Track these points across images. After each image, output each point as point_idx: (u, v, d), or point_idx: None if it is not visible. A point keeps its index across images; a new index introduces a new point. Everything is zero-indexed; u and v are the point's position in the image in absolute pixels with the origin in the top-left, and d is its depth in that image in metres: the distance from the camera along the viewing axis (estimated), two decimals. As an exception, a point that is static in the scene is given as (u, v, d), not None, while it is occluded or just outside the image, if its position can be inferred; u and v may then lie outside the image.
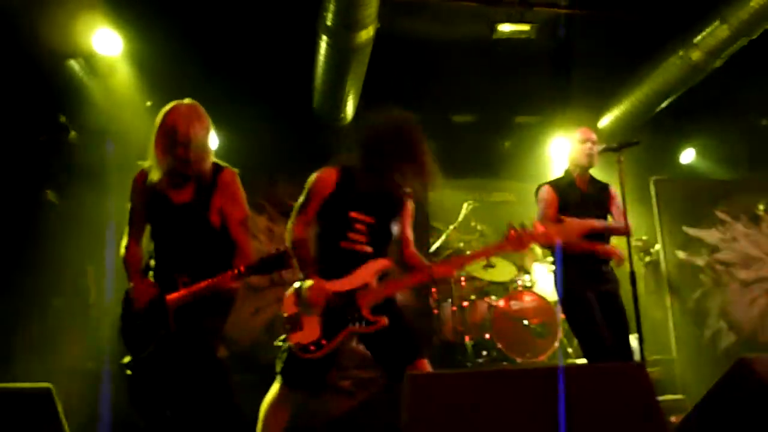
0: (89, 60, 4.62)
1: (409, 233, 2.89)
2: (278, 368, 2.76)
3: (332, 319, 2.64)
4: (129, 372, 2.70)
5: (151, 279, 2.73)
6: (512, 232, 2.79)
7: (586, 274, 3.40)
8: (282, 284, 5.12)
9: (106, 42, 4.50)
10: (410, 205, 2.89)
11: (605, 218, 3.60)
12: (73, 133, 4.27)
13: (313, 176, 2.83)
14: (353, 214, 2.73)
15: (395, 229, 2.83)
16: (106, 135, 4.82)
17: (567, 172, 3.67)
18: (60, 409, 2.76)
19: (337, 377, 4.66)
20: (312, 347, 2.62)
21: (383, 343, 2.73)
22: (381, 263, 2.72)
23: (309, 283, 2.67)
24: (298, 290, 2.72)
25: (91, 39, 4.45)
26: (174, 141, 2.61)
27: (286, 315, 2.71)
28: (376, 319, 2.63)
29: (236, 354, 2.90)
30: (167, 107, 2.71)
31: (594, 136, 3.64)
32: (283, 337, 2.73)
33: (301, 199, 2.82)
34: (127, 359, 2.74)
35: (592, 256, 3.44)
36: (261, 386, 2.82)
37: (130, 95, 4.84)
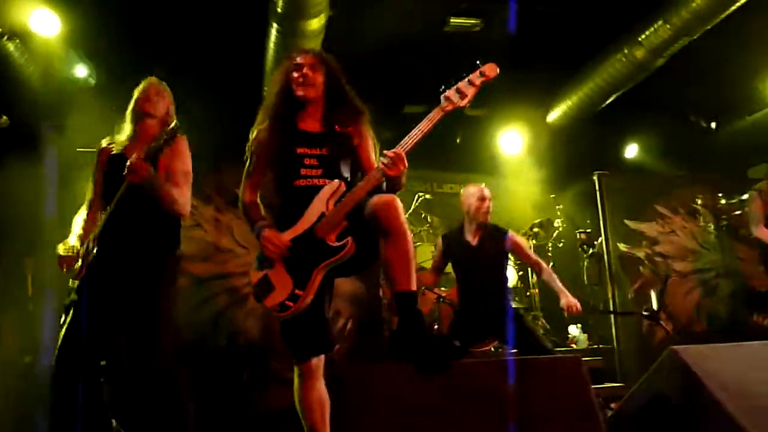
0: (25, 41, 4.42)
1: (370, 158, 2.66)
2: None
3: (299, 266, 2.42)
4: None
5: None
6: None
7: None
8: (230, 275, 5.05)
9: (42, 22, 4.29)
10: (364, 131, 2.69)
11: (502, 266, 4.06)
12: (4, 119, 4.07)
13: (252, 136, 2.67)
14: (300, 150, 2.56)
15: (351, 157, 2.64)
16: (44, 120, 4.61)
17: (462, 224, 4.11)
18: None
19: (282, 368, 4.63)
20: (289, 302, 2.40)
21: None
22: (330, 187, 2.47)
23: (262, 235, 2.50)
24: (259, 255, 2.54)
25: (28, 19, 4.25)
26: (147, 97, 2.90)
27: (254, 284, 2.52)
28: (344, 242, 2.37)
29: (178, 346, 2.84)
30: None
31: (489, 194, 4.09)
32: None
33: (247, 163, 2.69)
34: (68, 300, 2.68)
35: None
36: (202, 380, 2.77)
37: (69, 78, 4.64)
